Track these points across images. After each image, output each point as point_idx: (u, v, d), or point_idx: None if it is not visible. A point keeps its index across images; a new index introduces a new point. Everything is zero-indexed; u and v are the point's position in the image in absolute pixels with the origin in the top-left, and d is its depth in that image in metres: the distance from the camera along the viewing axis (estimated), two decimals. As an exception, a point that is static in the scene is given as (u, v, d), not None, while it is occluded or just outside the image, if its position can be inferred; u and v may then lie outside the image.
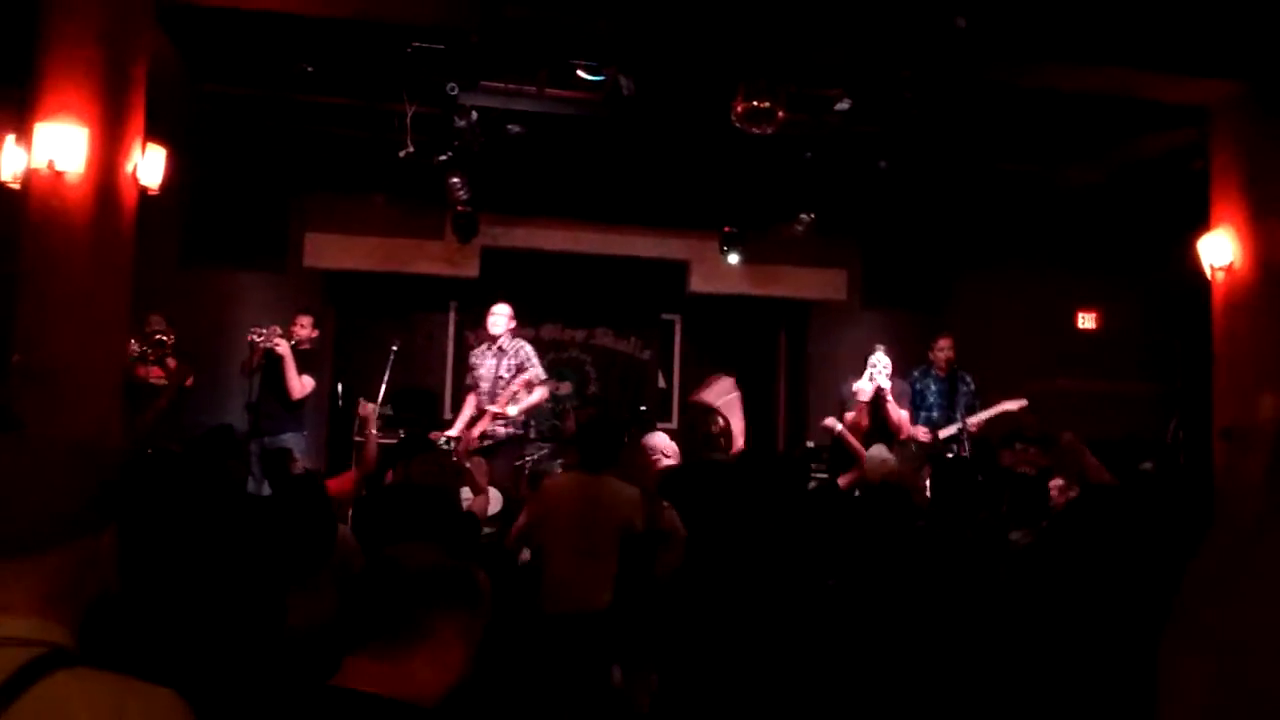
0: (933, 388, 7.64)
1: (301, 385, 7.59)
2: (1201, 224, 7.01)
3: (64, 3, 5.08)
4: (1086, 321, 10.59)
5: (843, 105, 6.84)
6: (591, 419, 7.12)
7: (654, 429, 7.91)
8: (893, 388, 7.31)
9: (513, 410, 7.51)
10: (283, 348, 7.44)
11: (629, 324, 11.21)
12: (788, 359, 11.35)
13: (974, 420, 7.35)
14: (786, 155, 7.81)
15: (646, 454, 5.88)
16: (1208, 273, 6.92)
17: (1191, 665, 1.19)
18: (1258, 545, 1.21)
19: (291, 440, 7.41)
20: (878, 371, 7.27)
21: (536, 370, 7.73)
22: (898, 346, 10.41)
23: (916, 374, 7.83)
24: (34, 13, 5.06)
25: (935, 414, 7.58)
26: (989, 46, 5.52)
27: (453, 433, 7.63)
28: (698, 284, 10.32)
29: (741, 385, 10.69)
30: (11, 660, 1.26)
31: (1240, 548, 1.24)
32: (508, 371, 7.70)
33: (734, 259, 9.51)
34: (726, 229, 9.37)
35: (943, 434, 7.43)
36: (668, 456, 5.96)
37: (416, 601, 1.73)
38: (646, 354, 11.27)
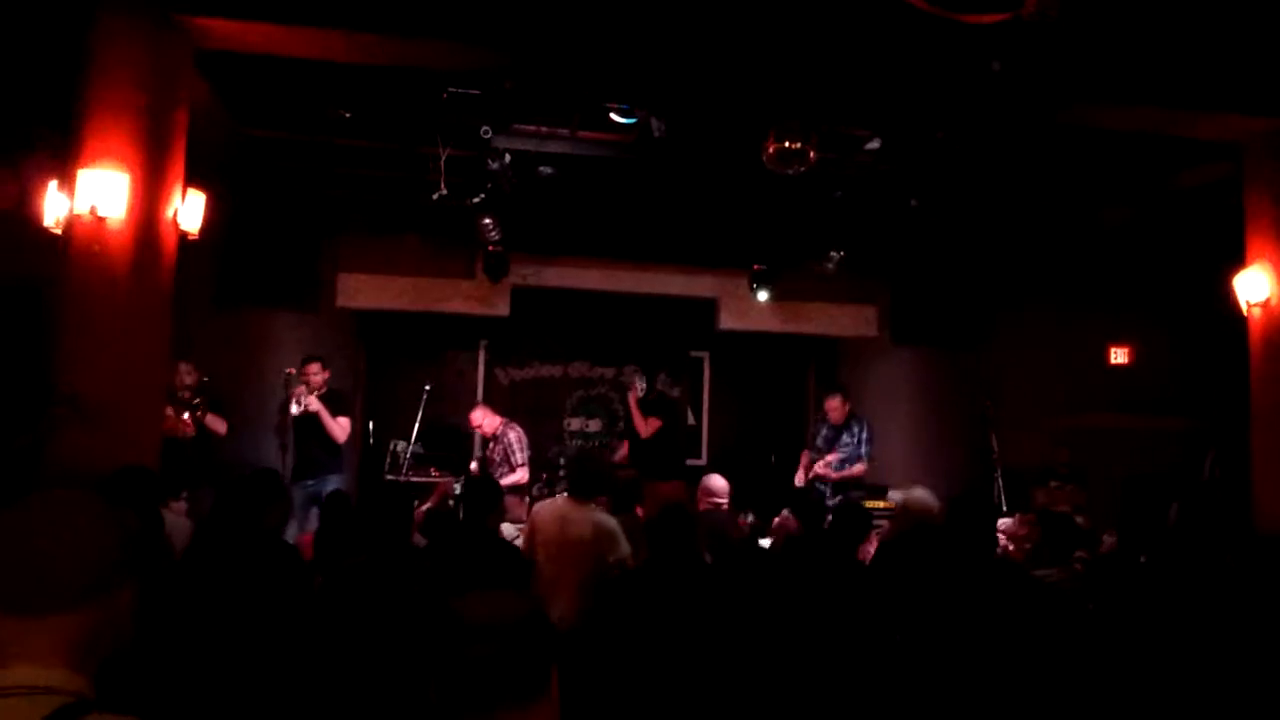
0: (823, 432, 8.48)
1: (342, 428, 7.73)
2: (1237, 259, 6.96)
3: (106, 50, 5.15)
4: (1119, 357, 10.50)
5: (873, 145, 6.86)
6: (581, 451, 7.22)
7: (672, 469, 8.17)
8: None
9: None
10: (315, 405, 7.60)
11: (658, 362, 11.21)
12: (816, 395, 11.30)
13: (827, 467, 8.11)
14: (816, 193, 7.83)
15: (701, 495, 6.03)
16: (1243, 308, 6.86)
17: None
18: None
19: (336, 482, 7.53)
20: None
21: (517, 459, 8.22)
22: (928, 383, 10.43)
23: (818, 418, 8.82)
24: (77, 60, 5.15)
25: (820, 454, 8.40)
26: (1021, 87, 5.52)
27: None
28: (727, 321, 10.32)
29: (772, 422, 10.80)
30: (46, 706, 1.34)
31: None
32: (499, 457, 8.36)
33: (763, 296, 9.51)
34: (756, 267, 9.38)
35: (812, 471, 8.24)
36: (720, 498, 5.99)
37: (543, 657, 1.62)
38: (676, 391, 11.27)
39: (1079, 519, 6.07)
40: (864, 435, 8.21)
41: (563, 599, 4.68)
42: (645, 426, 8.61)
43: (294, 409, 7.68)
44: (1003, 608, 3.63)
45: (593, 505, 5.12)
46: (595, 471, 5.44)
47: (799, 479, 8.32)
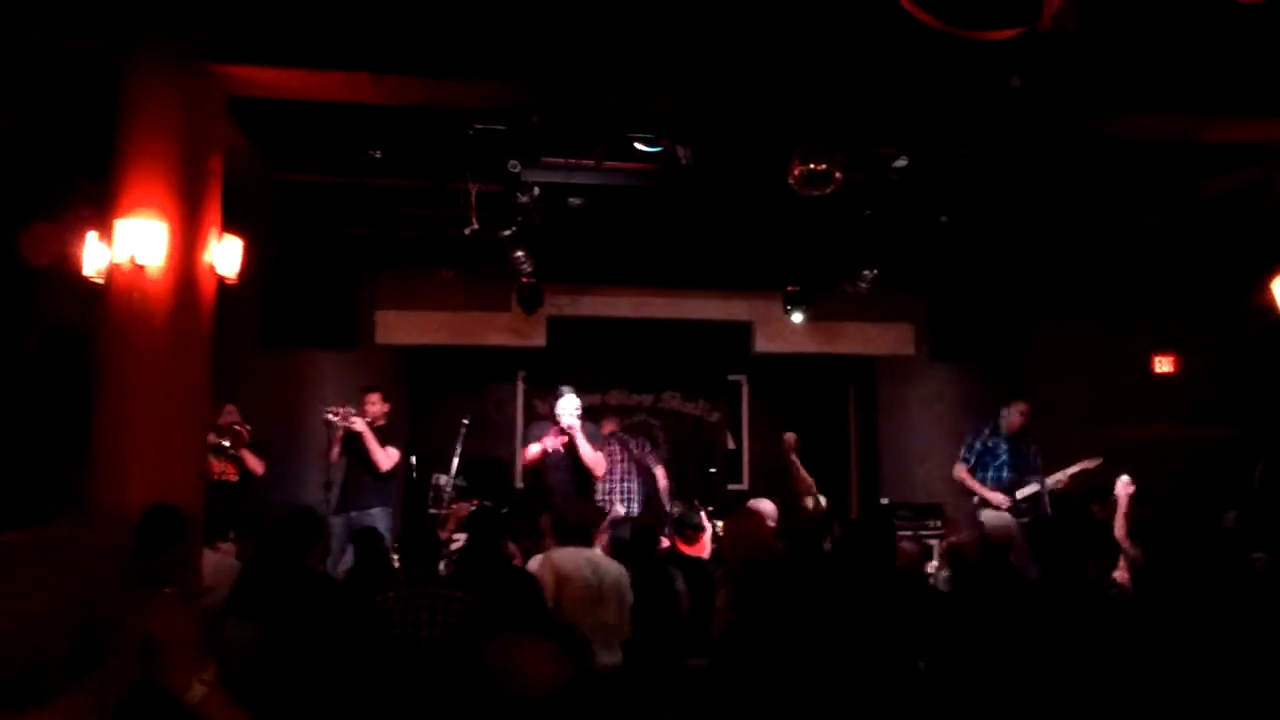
0: (1003, 447, 7.64)
1: (387, 456, 7.73)
2: (1276, 263, 6.86)
3: (140, 101, 5.26)
4: (1164, 366, 10.33)
5: (900, 163, 6.84)
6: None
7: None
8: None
9: None
10: (359, 425, 7.59)
11: (696, 386, 11.23)
12: (857, 415, 11.25)
13: (1053, 479, 7.30)
14: (846, 212, 7.82)
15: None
16: (1282, 313, 6.75)
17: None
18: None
19: (380, 515, 7.57)
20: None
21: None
22: (968, 399, 10.33)
23: (986, 431, 7.82)
24: (112, 111, 5.27)
25: (1005, 474, 7.59)
26: (1044, 100, 5.49)
27: None
28: (763, 344, 10.31)
29: (812, 443, 10.68)
30: None
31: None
32: None
33: (798, 318, 9.50)
34: (790, 288, 9.37)
35: (1020, 494, 7.44)
36: (769, 521, 5.97)
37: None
38: (715, 416, 11.26)
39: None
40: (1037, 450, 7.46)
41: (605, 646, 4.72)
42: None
43: (333, 417, 7.61)
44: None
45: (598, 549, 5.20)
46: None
47: (998, 502, 7.32)
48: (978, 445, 7.79)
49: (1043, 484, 7.20)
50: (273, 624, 3.69)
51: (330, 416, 7.66)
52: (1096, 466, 7.31)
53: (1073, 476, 7.37)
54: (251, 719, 1.62)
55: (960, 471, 7.82)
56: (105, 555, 1.42)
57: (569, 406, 7.52)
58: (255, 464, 7.61)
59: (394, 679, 3.52)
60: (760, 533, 5.00)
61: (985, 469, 7.68)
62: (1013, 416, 7.68)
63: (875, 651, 3.65)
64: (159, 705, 1.56)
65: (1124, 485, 5.92)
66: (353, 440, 7.67)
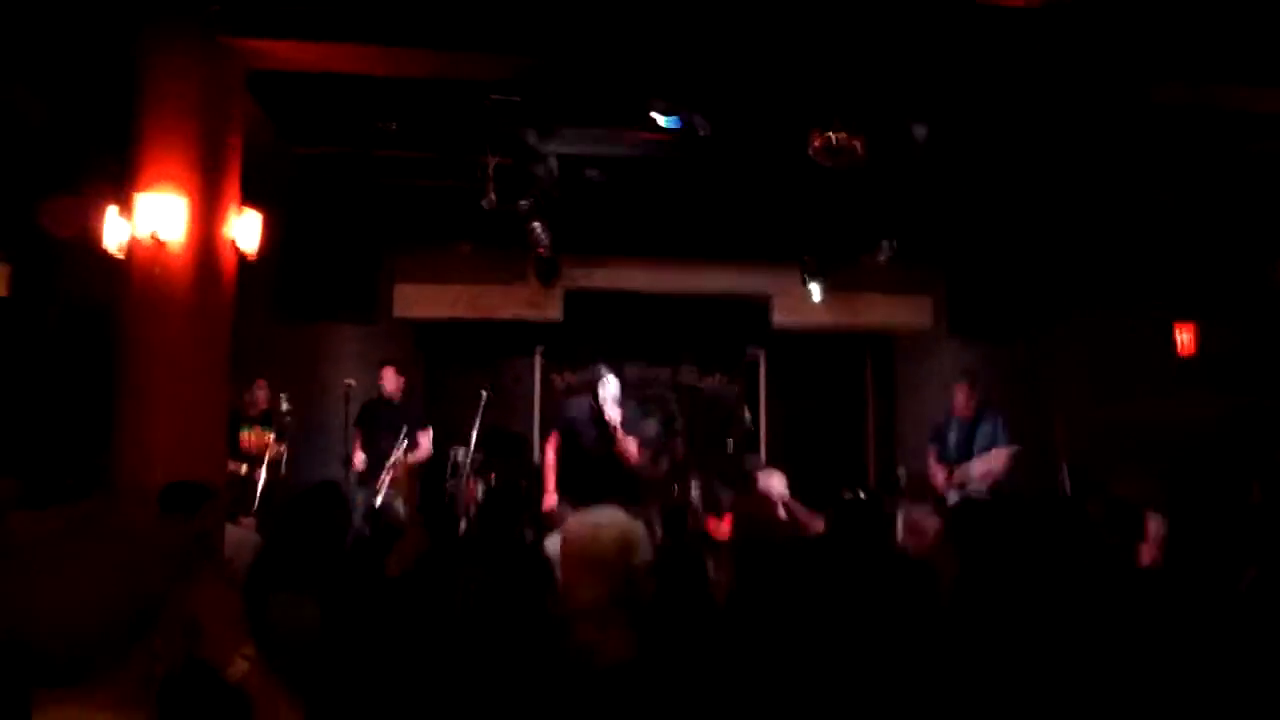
0: (952, 429, 7.65)
1: (425, 448, 7.96)
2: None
3: (159, 76, 5.26)
4: (1184, 338, 10.24)
5: (921, 132, 6.77)
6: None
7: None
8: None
9: None
10: (402, 462, 7.71)
11: (713, 360, 11.20)
12: (875, 390, 11.21)
13: (972, 484, 7.25)
14: (866, 183, 7.76)
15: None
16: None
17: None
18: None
19: None
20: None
21: None
22: (986, 373, 10.27)
23: (944, 414, 7.88)
24: (131, 87, 5.27)
25: (952, 454, 7.60)
26: (1071, 70, 5.43)
27: None
28: (781, 318, 10.27)
29: (830, 418, 10.61)
30: None
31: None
32: None
33: (816, 290, 9.45)
34: (807, 258, 9.31)
35: (957, 473, 7.43)
36: (782, 494, 5.95)
37: None
38: (732, 390, 11.24)
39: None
40: (1001, 429, 7.37)
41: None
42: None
43: (378, 500, 7.55)
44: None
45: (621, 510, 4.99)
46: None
47: (941, 487, 7.44)
48: (939, 428, 7.83)
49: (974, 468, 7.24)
50: (316, 599, 3.70)
51: (378, 500, 7.56)
52: (1011, 456, 7.22)
53: (985, 475, 7.25)
54: (291, 694, 1.63)
55: (929, 453, 7.87)
56: (152, 534, 1.44)
57: (610, 393, 6.96)
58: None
59: (424, 654, 3.53)
60: (763, 513, 5.01)
61: (943, 450, 7.68)
62: (955, 397, 7.69)
63: (868, 637, 3.62)
64: (202, 680, 1.57)
65: (1156, 525, 5.73)
66: (390, 417, 7.78)
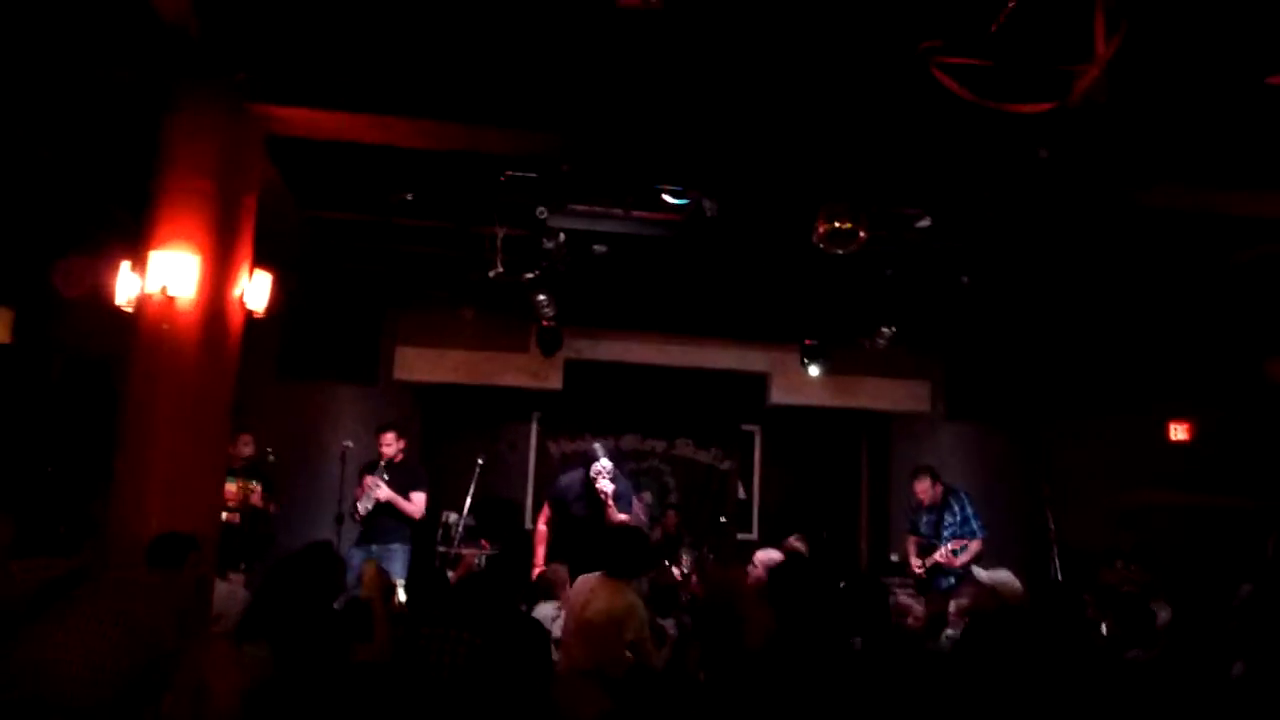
0: (921, 516, 8.08)
1: (416, 505, 7.84)
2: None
3: (181, 138, 5.35)
4: (1179, 434, 10.29)
5: (924, 223, 6.89)
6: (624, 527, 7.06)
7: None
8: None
9: None
10: (384, 493, 7.70)
11: (709, 435, 11.25)
12: (870, 470, 11.24)
13: (949, 556, 7.62)
14: (867, 269, 7.87)
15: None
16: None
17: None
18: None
19: (400, 552, 7.70)
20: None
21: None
22: (982, 459, 10.31)
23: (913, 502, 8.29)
24: (152, 145, 5.36)
25: (922, 539, 8.03)
26: (1072, 172, 5.54)
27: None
28: (778, 395, 10.34)
29: (825, 496, 10.61)
30: None
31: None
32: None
33: (815, 371, 9.53)
34: (808, 342, 9.40)
35: (929, 560, 7.79)
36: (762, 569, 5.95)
37: None
38: (727, 464, 11.26)
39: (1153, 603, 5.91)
40: (968, 511, 7.80)
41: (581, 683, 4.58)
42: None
43: (362, 507, 7.71)
44: (1097, 696, 3.56)
45: (626, 583, 4.95)
46: (634, 548, 5.18)
47: (915, 567, 7.91)
48: (912, 515, 8.29)
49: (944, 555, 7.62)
50: (284, 648, 3.69)
51: (362, 507, 7.74)
52: (945, 558, 7.59)
53: (951, 563, 7.61)
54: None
55: (907, 541, 8.30)
56: (163, 594, 1.46)
57: (605, 471, 7.52)
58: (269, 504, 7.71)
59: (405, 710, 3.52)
60: (729, 583, 5.08)
61: (918, 535, 8.09)
62: (915, 489, 8.10)
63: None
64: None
65: (1165, 615, 5.75)
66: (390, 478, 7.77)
